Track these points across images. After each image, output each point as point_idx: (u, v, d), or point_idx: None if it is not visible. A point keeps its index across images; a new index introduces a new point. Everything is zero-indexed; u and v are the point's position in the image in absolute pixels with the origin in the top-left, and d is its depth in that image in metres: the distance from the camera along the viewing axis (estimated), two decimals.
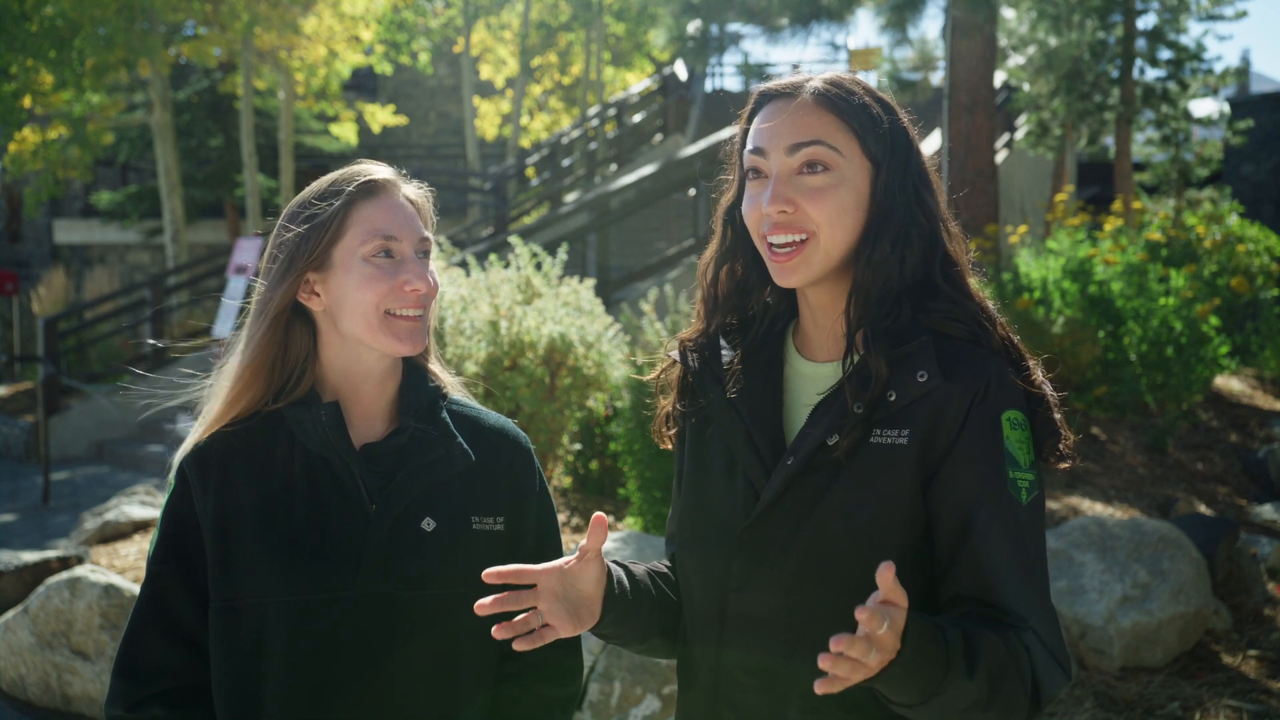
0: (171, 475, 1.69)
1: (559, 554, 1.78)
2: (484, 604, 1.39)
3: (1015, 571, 1.39)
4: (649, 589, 1.61)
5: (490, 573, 1.40)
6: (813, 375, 1.53)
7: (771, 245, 1.49)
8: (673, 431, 1.65)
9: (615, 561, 1.60)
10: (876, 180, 1.49)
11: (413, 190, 1.70)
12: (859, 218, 1.49)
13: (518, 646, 1.40)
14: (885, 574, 1.19)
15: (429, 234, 1.68)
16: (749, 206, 1.52)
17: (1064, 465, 1.46)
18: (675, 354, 1.63)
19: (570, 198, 16.37)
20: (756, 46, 66.24)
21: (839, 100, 1.49)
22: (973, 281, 1.54)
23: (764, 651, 1.47)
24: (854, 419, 1.43)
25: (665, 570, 1.68)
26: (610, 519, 5.80)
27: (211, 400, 1.69)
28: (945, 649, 1.28)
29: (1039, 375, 1.47)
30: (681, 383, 1.62)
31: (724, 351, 1.59)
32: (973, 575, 1.39)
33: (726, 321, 1.61)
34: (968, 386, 1.42)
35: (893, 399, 1.43)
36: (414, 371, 1.74)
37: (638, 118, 18.90)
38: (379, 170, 1.68)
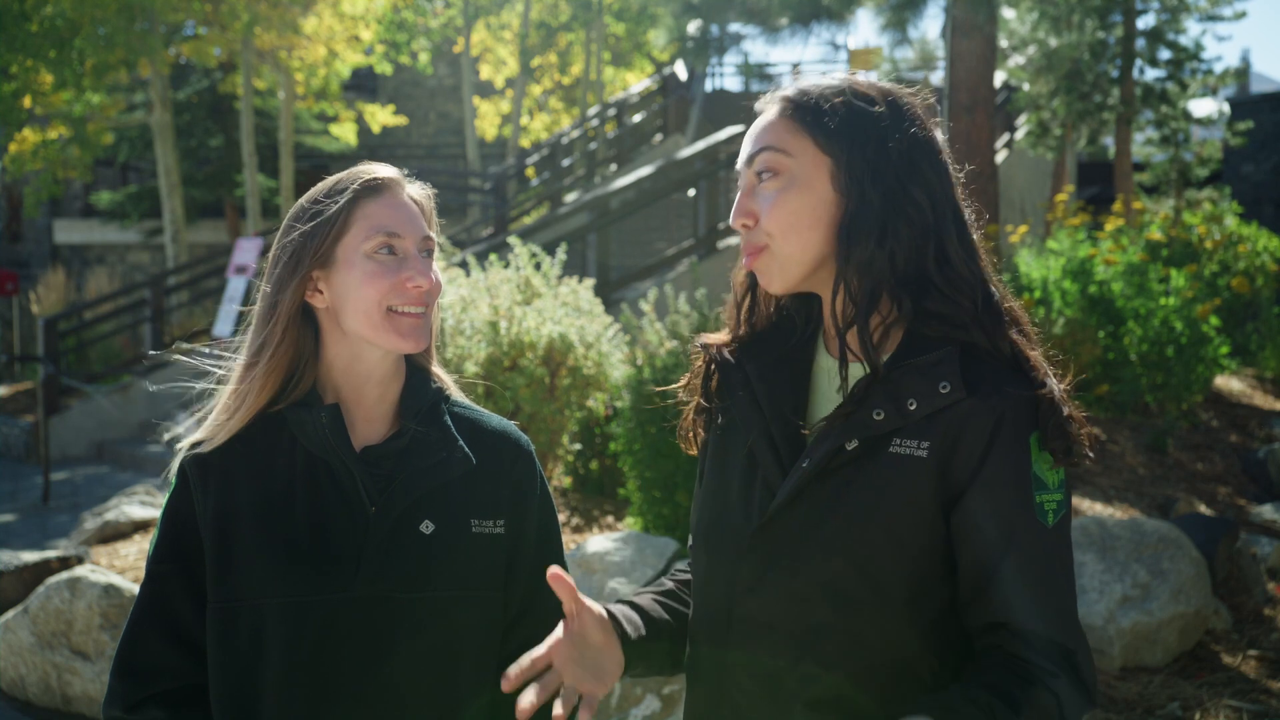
0: (172, 475, 1.69)
1: (560, 557, 1.78)
2: (510, 678, 1.42)
3: (1046, 602, 1.37)
4: (663, 617, 1.60)
5: (508, 680, 1.43)
6: (836, 374, 1.50)
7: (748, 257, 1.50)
8: (698, 434, 1.63)
9: (620, 600, 1.59)
10: (838, 173, 1.45)
11: (416, 190, 1.71)
12: (822, 218, 1.45)
13: (582, 718, 1.40)
14: None
15: (432, 233, 1.69)
16: None
17: (1087, 461, 1.43)
18: (702, 348, 1.61)
19: (570, 198, 16.37)
20: (756, 46, 66.27)
21: (793, 104, 1.47)
22: (990, 274, 1.47)
23: (769, 657, 1.44)
24: (873, 425, 1.40)
25: (673, 587, 1.68)
26: (610, 519, 5.80)
27: (223, 403, 1.68)
28: None
29: (1046, 375, 1.42)
30: (705, 383, 1.61)
31: (754, 350, 1.56)
32: (1003, 607, 1.37)
33: (760, 324, 1.59)
34: (993, 407, 1.37)
35: (913, 407, 1.39)
36: (416, 374, 1.74)
37: (638, 118, 18.90)
38: (383, 170, 1.69)
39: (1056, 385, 1.41)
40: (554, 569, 1.45)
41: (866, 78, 1.51)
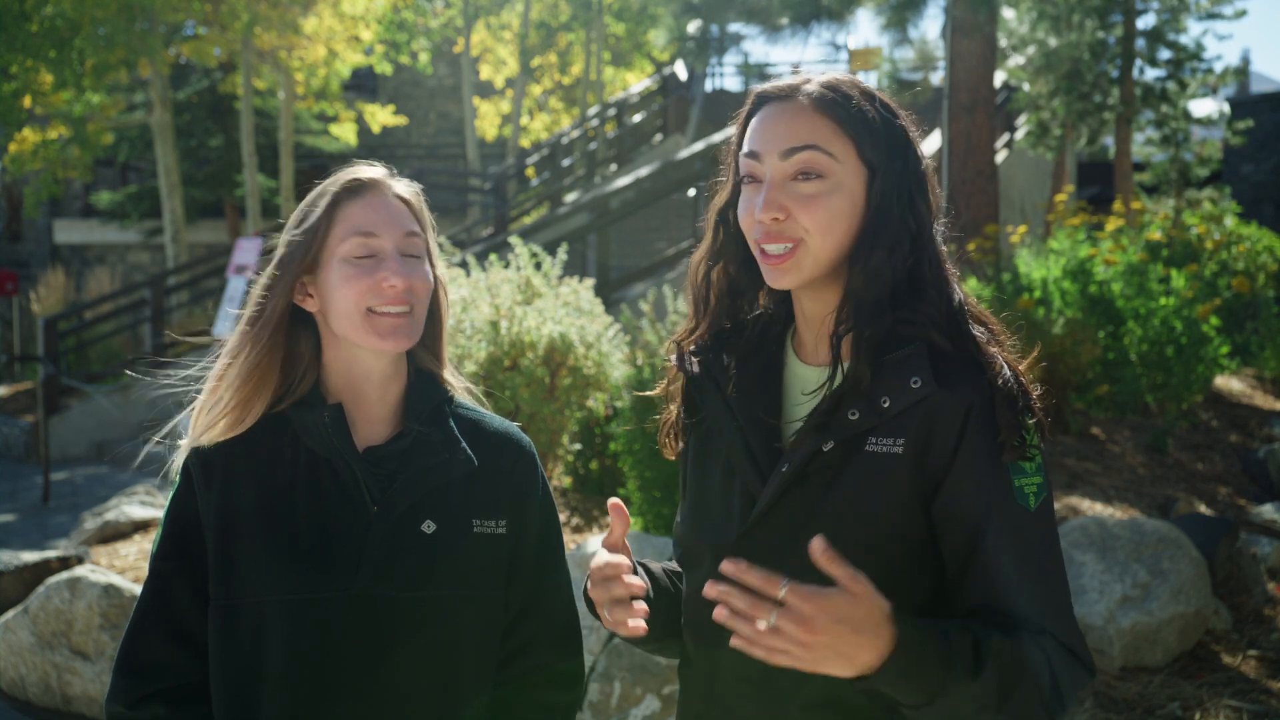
0: (175, 473, 1.69)
1: (560, 557, 1.79)
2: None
3: (1028, 579, 1.38)
4: (668, 588, 1.62)
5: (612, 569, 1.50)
6: (811, 379, 1.52)
7: (764, 250, 1.48)
8: (678, 440, 1.64)
9: (637, 561, 1.60)
10: (872, 186, 1.47)
11: (403, 187, 1.70)
12: (852, 224, 1.47)
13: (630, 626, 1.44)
14: (818, 547, 1.23)
15: (419, 229, 1.68)
16: (744, 210, 1.50)
17: (1038, 451, 1.44)
18: (674, 360, 1.62)
19: (570, 198, 16.37)
20: (756, 46, 66.30)
21: (836, 104, 1.47)
22: (963, 282, 1.52)
23: (760, 662, 1.45)
24: (849, 425, 1.42)
25: (677, 569, 1.69)
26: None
27: (213, 407, 1.68)
28: (948, 649, 1.28)
29: (1003, 370, 1.43)
30: (683, 390, 1.61)
31: (723, 357, 1.57)
32: (985, 587, 1.39)
33: (722, 324, 1.60)
34: (963, 396, 1.40)
35: (886, 405, 1.41)
36: (420, 376, 1.74)
37: (638, 118, 18.91)
38: (366, 170, 1.69)
39: (1015, 379, 1.43)
40: (614, 500, 1.50)
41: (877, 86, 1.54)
